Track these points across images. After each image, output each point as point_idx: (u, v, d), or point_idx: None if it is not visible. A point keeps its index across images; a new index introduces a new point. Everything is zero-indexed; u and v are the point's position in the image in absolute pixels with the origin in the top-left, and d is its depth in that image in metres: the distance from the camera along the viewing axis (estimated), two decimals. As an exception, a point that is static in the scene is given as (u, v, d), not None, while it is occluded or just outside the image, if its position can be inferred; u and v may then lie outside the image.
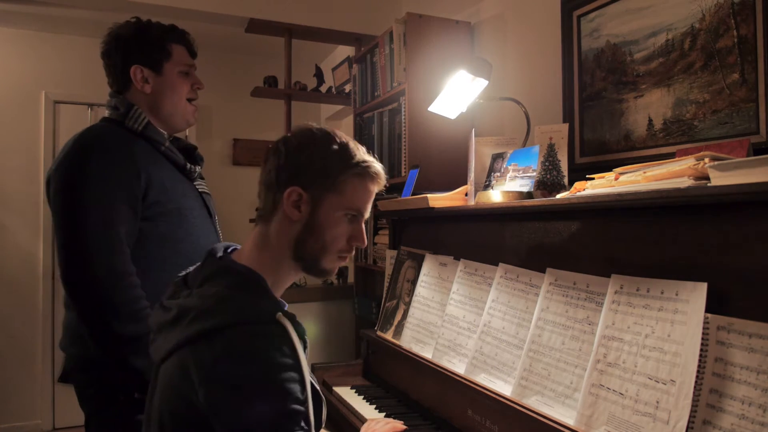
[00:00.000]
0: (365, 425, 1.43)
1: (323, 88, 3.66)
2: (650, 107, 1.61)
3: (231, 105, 4.41)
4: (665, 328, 1.02)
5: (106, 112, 1.57)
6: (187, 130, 4.08)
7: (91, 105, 4.08)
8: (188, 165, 1.62)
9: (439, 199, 1.77)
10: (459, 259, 1.69)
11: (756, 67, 1.34)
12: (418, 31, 2.36)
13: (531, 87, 2.13)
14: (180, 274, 1.09)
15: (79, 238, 1.37)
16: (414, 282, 1.88)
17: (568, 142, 1.56)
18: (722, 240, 0.99)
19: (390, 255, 2.19)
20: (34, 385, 3.91)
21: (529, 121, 1.81)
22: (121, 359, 1.37)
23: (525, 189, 1.53)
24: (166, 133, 1.60)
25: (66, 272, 1.38)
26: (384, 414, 1.59)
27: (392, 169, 2.50)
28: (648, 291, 1.08)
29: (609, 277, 1.16)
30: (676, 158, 1.15)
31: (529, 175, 1.55)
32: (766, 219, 0.92)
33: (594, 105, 1.79)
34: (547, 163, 1.52)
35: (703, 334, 0.96)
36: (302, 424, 0.90)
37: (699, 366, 0.95)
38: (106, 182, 1.40)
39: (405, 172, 2.33)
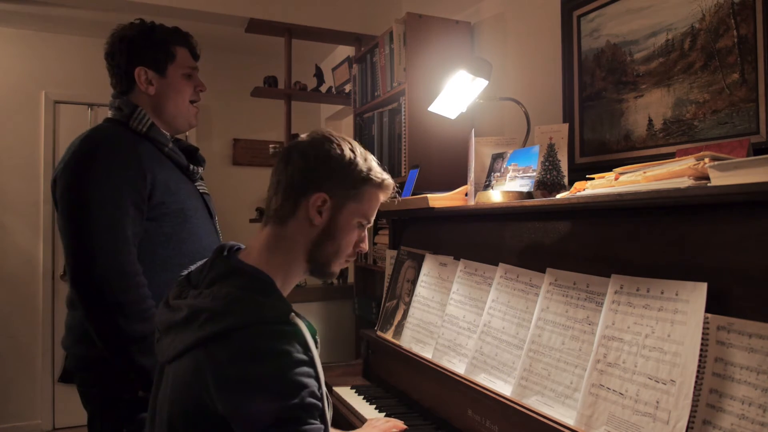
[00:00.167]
0: (365, 424, 1.43)
1: (323, 88, 3.65)
2: (650, 107, 1.61)
3: (231, 105, 4.41)
4: (665, 328, 1.02)
5: (109, 113, 1.58)
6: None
7: (91, 105, 4.08)
8: (191, 166, 1.64)
9: (439, 199, 1.77)
10: (459, 259, 1.69)
11: (756, 67, 1.34)
12: (418, 31, 2.36)
13: (531, 87, 2.13)
14: (182, 273, 1.10)
15: (87, 239, 1.38)
16: (414, 282, 1.88)
17: (568, 142, 1.56)
18: (722, 240, 0.99)
19: (390, 255, 2.19)
20: (34, 385, 3.91)
21: (529, 121, 1.81)
22: (127, 358, 1.38)
23: (525, 189, 1.53)
24: (168, 134, 1.60)
25: (73, 272, 1.39)
26: (384, 414, 1.59)
27: (392, 169, 2.49)
28: (648, 291, 1.08)
29: (609, 277, 1.16)
30: (676, 158, 1.15)
31: (529, 175, 1.55)
32: (766, 219, 0.92)
33: (594, 105, 1.79)
34: (547, 163, 1.52)
35: (703, 334, 0.96)
36: (317, 418, 0.91)
37: (699, 366, 0.95)
38: (112, 183, 1.41)
39: (405, 172, 2.34)
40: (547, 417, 1.17)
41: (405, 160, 2.37)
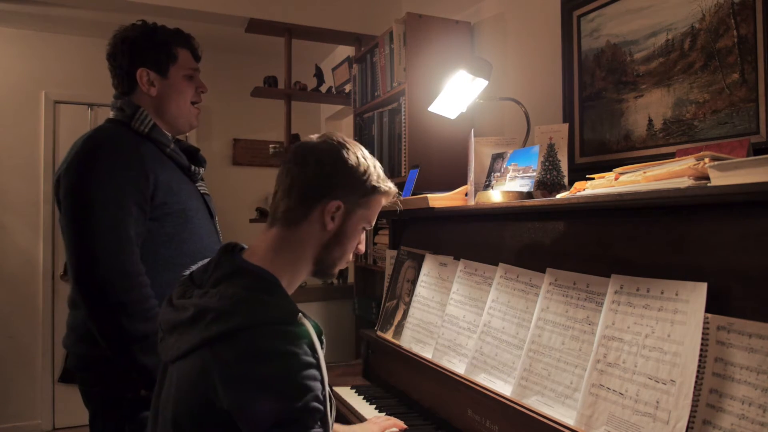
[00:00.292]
0: (367, 421, 1.43)
1: (323, 88, 3.65)
2: (650, 107, 1.61)
3: (231, 105, 4.41)
4: (665, 328, 1.02)
5: (110, 113, 1.58)
6: (187, 130, 4.07)
7: (91, 105, 4.08)
8: (192, 167, 1.64)
9: (439, 199, 1.77)
10: (459, 259, 1.69)
11: (756, 67, 1.34)
12: (418, 31, 2.36)
13: (531, 87, 2.13)
14: (185, 273, 1.10)
15: (90, 239, 1.38)
16: (414, 282, 1.88)
17: (568, 142, 1.56)
18: (722, 240, 0.99)
19: (390, 255, 2.19)
20: (34, 385, 3.91)
21: (529, 121, 1.81)
22: (129, 357, 1.39)
23: (525, 189, 1.53)
24: (170, 135, 1.61)
25: (76, 272, 1.39)
26: (384, 414, 1.59)
27: (392, 169, 2.50)
28: (648, 291, 1.08)
29: (609, 277, 1.16)
30: (676, 158, 1.14)
31: (529, 175, 1.55)
32: (766, 219, 0.92)
33: (594, 105, 1.79)
34: (547, 163, 1.52)
35: (703, 334, 0.96)
36: (318, 422, 0.91)
37: (699, 366, 0.95)
38: (115, 183, 1.41)
39: (405, 172, 2.34)
40: (547, 417, 1.17)
41: (405, 160, 2.37)
